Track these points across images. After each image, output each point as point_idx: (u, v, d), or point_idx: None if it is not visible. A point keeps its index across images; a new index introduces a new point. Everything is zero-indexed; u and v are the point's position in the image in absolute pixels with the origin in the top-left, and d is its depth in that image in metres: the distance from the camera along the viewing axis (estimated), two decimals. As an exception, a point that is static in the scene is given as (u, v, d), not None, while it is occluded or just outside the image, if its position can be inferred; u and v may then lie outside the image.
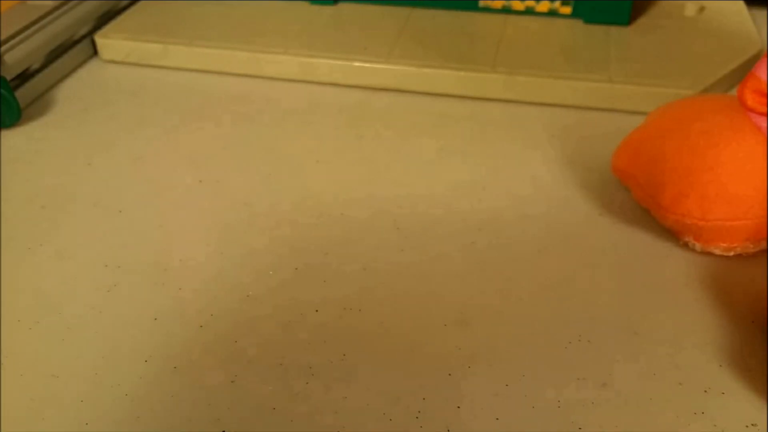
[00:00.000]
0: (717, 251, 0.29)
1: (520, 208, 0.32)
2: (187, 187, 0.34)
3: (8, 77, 0.39)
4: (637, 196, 0.30)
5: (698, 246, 0.29)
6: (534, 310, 0.27)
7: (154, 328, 0.27)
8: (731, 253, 0.28)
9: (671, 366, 0.25)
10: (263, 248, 0.30)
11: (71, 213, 0.33)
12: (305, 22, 0.45)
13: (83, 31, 0.45)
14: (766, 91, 0.27)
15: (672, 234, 0.30)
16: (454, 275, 0.29)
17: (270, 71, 0.42)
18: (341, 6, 0.47)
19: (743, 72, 0.38)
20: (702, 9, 0.44)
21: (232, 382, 0.25)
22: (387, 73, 0.40)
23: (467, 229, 0.31)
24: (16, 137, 0.38)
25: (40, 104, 0.41)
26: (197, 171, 0.35)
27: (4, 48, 0.39)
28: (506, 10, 0.45)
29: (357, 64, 0.41)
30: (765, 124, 0.27)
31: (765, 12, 0.45)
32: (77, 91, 0.42)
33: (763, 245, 0.28)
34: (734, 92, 0.29)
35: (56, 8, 0.43)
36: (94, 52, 0.45)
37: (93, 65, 0.45)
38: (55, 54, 0.43)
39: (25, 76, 0.41)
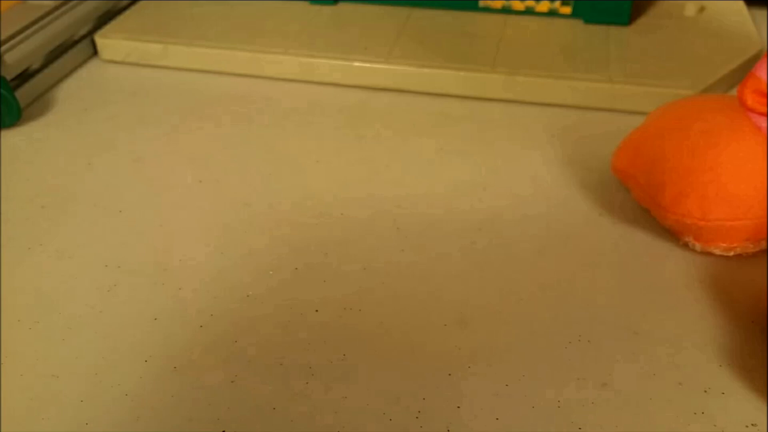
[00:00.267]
0: (717, 251, 0.29)
1: (519, 208, 0.32)
2: (187, 187, 0.34)
3: (8, 77, 0.39)
4: (637, 196, 0.30)
5: (698, 246, 0.29)
6: (534, 310, 0.27)
7: (154, 328, 0.27)
8: (731, 253, 0.28)
9: (671, 366, 0.25)
10: (263, 248, 0.30)
11: (71, 213, 0.33)
12: (305, 22, 0.45)
13: (83, 31, 0.45)
14: (766, 91, 0.27)
15: (672, 234, 0.30)
16: (453, 275, 0.29)
17: (270, 71, 0.42)
18: (341, 6, 0.47)
19: (743, 72, 0.38)
20: (702, 9, 0.44)
21: (232, 382, 0.25)
22: (387, 73, 0.40)
23: (467, 229, 0.31)
24: (16, 137, 0.38)
25: (40, 104, 0.41)
26: (197, 171, 0.35)
27: (4, 48, 0.39)
28: (506, 10, 0.45)
29: (357, 64, 0.41)
30: (765, 124, 0.27)
31: (765, 12, 0.45)
32: (77, 91, 0.42)
33: (763, 245, 0.28)
34: (734, 92, 0.29)
35: (56, 8, 0.43)
36: (94, 52, 0.45)
37: (93, 65, 0.45)
38: (55, 54, 0.43)
39: (25, 76, 0.41)
